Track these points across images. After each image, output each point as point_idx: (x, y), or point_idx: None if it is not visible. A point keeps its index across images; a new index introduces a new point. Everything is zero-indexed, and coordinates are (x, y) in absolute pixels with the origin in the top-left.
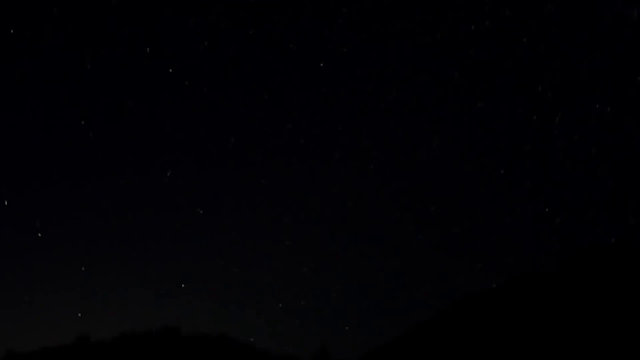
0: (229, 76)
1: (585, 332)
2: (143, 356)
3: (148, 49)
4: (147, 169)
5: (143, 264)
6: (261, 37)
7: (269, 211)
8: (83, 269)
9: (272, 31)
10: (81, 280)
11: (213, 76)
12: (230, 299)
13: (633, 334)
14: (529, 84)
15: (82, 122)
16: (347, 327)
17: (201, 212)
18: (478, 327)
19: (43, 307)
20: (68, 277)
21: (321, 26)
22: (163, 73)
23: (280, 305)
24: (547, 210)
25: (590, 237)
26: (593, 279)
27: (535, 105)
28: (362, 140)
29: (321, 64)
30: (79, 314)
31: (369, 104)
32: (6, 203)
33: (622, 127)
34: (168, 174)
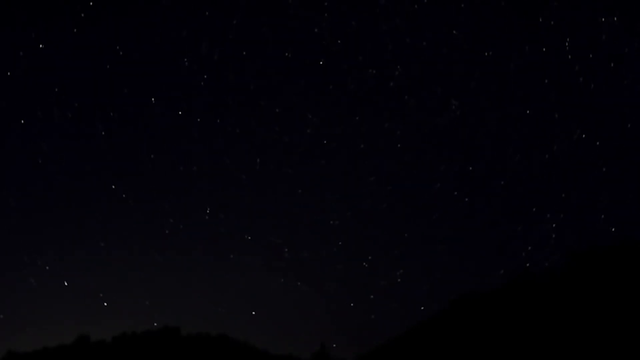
0: (237, 102)
1: (585, 331)
2: (143, 356)
3: (153, 99)
4: (187, 212)
5: (145, 265)
6: (255, 55)
7: (309, 216)
8: (84, 269)
9: (264, 46)
10: (82, 281)
11: (220, 106)
12: (231, 299)
13: (633, 334)
14: (529, 21)
15: (113, 186)
16: (347, 328)
17: (249, 238)
18: (478, 327)
19: (43, 307)
20: (69, 278)
21: (309, 26)
22: (173, 117)
23: (282, 305)
24: (548, 211)
25: (591, 238)
26: (594, 279)
27: (539, 37)
28: (383, 124)
29: (320, 62)
30: (79, 314)
31: (378, 87)
32: (66, 283)
33: (625, 131)
34: (207, 211)
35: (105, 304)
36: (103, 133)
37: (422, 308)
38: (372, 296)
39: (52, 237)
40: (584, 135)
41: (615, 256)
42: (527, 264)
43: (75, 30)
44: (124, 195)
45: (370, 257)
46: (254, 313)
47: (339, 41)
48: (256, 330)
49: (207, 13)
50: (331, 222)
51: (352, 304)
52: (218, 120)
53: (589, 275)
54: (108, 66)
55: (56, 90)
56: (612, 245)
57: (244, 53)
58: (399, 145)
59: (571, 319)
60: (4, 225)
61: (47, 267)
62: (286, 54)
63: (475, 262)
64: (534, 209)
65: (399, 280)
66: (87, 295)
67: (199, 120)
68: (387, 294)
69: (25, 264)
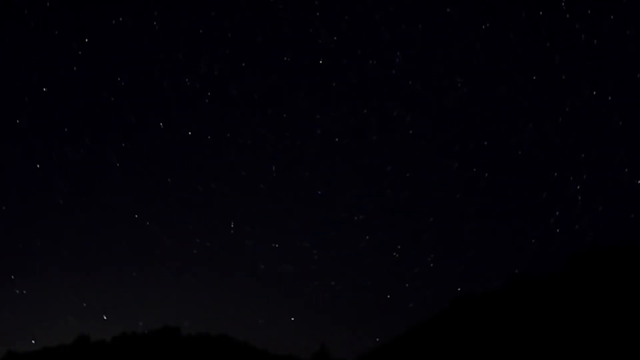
0: (243, 113)
1: (585, 332)
2: (143, 356)
3: (161, 124)
4: (212, 230)
5: (145, 265)
6: (254, 64)
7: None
8: (84, 270)
9: (262, 54)
10: (82, 281)
11: (228, 120)
12: (231, 299)
13: (633, 334)
14: None
15: (136, 215)
16: (347, 327)
17: (276, 246)
18: (477, 327)
19: (44, 307)
20: (69, 278)
21: (303, 27)
22: (184, 138)
23: (282, 305)
24: (570, 173)
25: (591, 239)
26: (593, 280)
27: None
28: (392, 112)
29: (320, 61)
30: (79, 314)
31: (381, 76)
32: (105, 317)
33: (635, 80)
34: (232, 225)
35: (145, 332)
36: (117, 164)
37: (459, 289)
38: (407, 284)
39: (82, 268)
40: (595, 92)
41: (615, 257)
42: (527, 265)
43: (74, 68)
44: (147, 223)
45: (399, 247)
46: (292, 319)
47: (335, 38)
48: (256, 330)
49: (200, 31)
50: (355, 217)
51: (388, 296)
52: (228, 134)
53: (589, 276)
54: (112, 98)
55: (65, 130)
56: (612, 246)
57: (243, 64)
58: (410, 132)
59: (571, 319)
60: (36, 262)
61: (85, 304)
62: (285, 59)
63: (504, 237)
64: (556, 174)
65: (431, 265)
66: (88, 295)
67: (209, 137)
68: (422, 280)
69: (60, 302)
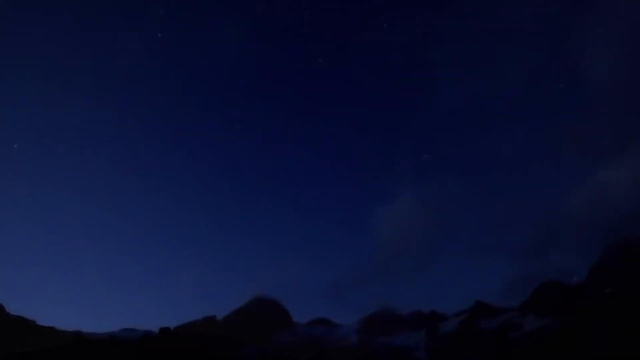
0: (256, 127)
1: None
2: (143, 356)
3: (176, 156)
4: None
5: (146, 264)
6: (258, 77)
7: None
8: (83, 269)
9: (262, 65)
10: (81, 281)
11: (242, 140)
12: (231, 299)
13: None
14: None
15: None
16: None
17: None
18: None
19: (43, 307)
20: (68, 278)
21: (297, 28)
22: (200, 168)
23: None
24: None
25: None
26: None
27: None
28: (408, 95)
29: (320, 60)
30: (78, 314)
31: (384, 67)
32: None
33: None
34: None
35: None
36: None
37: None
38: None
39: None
40: None
41: None
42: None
43: (81, 120)
44: (171, 248)
45: (435, 246)
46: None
47: (329, 34)
48: (257, 330)
49: (199, 53)
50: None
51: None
52: (239, 147)
53: None
54: (127, 141)
55: (91, 183)
56: None
57: (246, 80)
58: (421, 115)
59: None
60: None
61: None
62: (284, 64)
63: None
64: None
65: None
66: (87, 295)
67: (230, 164)
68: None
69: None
